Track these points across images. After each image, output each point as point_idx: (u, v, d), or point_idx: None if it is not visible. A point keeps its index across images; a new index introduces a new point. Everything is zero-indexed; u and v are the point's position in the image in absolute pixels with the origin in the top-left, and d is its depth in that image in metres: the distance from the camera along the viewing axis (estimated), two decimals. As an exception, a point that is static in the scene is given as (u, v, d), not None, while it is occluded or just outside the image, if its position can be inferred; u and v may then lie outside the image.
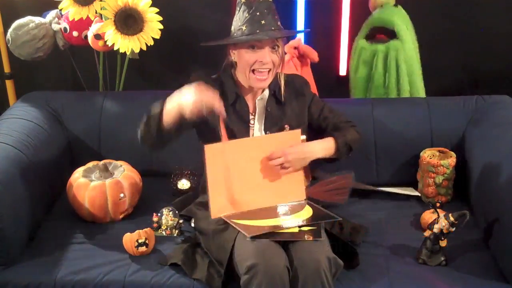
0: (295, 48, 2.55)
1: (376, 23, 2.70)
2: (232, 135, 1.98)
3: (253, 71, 1.94)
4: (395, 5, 2.74)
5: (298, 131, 1.95)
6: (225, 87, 2.01)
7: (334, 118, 2.11)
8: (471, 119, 2.42)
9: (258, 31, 1.89)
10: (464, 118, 2.43)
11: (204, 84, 1.80)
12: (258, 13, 1.90)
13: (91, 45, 2.64)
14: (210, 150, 1.85)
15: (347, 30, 2.80)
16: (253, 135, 2.03)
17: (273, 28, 1.91)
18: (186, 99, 1.77)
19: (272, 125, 2.04)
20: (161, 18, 2.46)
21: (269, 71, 1.94)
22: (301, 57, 2.59)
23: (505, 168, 2.03)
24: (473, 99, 2.49)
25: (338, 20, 2.81)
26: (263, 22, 1.89)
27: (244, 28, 1.91)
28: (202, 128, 2.03)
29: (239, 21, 1.93)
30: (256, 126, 2.05)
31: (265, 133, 2.03)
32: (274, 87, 2.05)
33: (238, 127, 2.01)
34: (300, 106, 2.09)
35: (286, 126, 2.04)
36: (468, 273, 1.91)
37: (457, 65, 2.87)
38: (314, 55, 2.58)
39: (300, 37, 2.68)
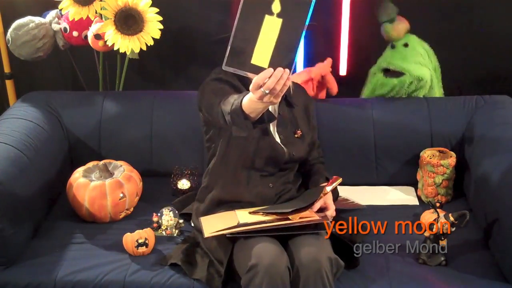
0: (322, 76, 2.55)
1: (387, 65, 2.58)
2: None
3: None
4: (407, 40, 2.59)
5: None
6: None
7: (315, 151, 2.18)
8: (471, 119, 2.42)
9: None
10: (464, 118, 2.44)
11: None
12: None
13: (91, 45, 2.63)
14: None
15: (347, 30, 2.79)
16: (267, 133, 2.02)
17: None
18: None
19: (284, 128, 2.05)
20: (161, 18, 2.46)
21: None
22: (322, 84, 2.58)
23: (505, 168, 2.03)
24: (473, 99, 2.49)
25: (338, 20, 2.80)
26: None
27: None
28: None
29: None
30: (270, 127, 2.04)
31: (279, 136, 2.03)
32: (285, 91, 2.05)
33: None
34: (307, 115, 2.13)
35: (298, 131, 2.06)
36: (468, 273, 1.92)
37: (457, 65, 2.86)
38: (334, 88, 2.56)
39: (329, 66, 2.57)
